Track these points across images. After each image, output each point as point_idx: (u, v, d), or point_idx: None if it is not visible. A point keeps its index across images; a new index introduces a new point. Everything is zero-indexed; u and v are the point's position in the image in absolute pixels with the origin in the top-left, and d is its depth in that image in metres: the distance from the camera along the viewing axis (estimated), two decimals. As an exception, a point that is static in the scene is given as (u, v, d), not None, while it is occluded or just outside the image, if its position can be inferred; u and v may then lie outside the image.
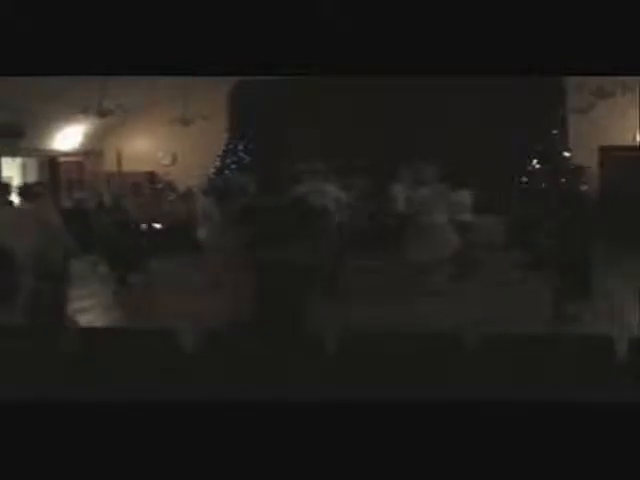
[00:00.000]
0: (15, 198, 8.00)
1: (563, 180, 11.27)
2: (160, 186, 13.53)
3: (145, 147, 15.35)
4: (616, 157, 13.48)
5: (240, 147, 14.51)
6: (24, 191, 7.46)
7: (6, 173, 12.95)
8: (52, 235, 6.99)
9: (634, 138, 13.61)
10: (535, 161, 13.08)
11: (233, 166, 14.33)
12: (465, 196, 9.52)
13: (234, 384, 3.80)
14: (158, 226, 11.65)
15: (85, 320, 7.49)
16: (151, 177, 13.73)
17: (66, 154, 14.62)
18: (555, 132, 13.22)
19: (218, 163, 14.38)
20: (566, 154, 13.07)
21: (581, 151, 13.05)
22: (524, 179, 13.01)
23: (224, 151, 14.58)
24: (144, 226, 10.61)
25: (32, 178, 13.07)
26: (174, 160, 15.28)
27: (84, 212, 11.50)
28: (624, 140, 13.55)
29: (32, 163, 14.00)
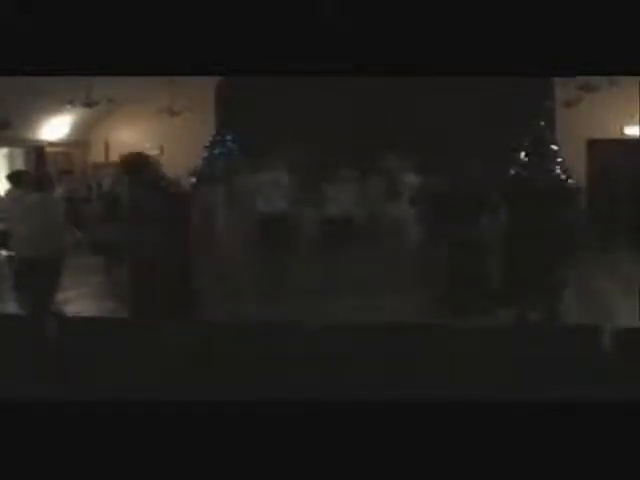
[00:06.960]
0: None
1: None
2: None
3: (132, 137, 15.27)
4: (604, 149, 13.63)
5: (228, 137, 14.55)
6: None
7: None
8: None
9: (621, 131, 13.79)
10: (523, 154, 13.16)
11: (220, 157, 14.35)
12: None
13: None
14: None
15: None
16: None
17: (53, 144, 14.53)
18: (543, 125, 13.29)
19: (206, 153, 14.40)
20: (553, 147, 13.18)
21: (568, 144, 13.20)
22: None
23: (211, 142, 14.60)
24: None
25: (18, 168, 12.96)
26: (161, 150, 15.21)
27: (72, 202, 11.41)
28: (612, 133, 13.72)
29: (18, 153, 13.90)
